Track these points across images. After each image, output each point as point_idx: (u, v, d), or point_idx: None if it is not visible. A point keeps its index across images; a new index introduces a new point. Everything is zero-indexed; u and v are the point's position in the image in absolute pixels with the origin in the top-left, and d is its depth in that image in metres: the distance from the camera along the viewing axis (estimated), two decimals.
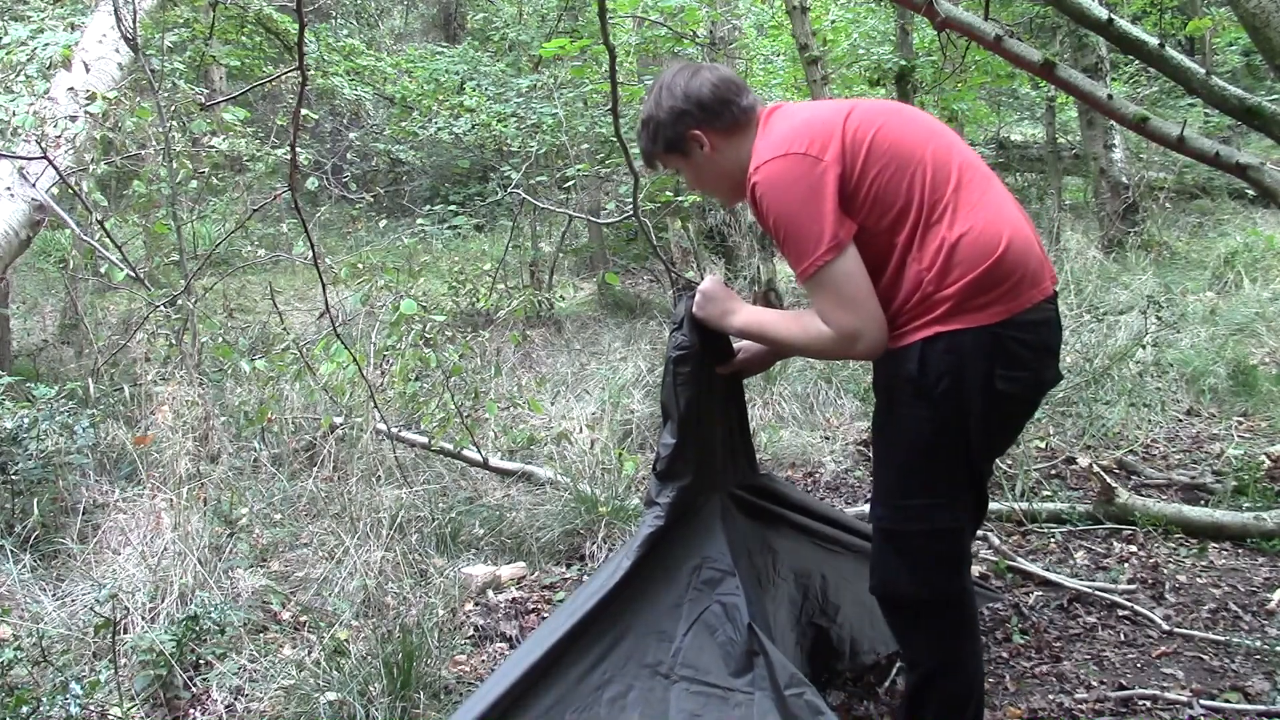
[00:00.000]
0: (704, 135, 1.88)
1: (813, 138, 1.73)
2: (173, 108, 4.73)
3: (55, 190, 3.72)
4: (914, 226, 1.71)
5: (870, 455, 2.35)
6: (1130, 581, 2.88)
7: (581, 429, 4.19)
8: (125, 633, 2.52)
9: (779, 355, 2.20)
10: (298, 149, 2.93)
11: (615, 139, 3.50)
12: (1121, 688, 2.31)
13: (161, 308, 3.97)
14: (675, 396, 2.03)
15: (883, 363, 1.80)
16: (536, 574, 3.18)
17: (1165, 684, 2.32)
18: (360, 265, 4.54)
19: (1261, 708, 2.18)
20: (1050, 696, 2.29)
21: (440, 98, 8.52)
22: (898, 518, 1.83)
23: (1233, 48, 11.44)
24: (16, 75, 4.20)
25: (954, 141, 1.83)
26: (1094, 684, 2.34)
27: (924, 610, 1.86)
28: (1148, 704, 2.24)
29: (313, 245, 3.44)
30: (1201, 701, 2.22)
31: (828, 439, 4.36)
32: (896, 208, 1.71)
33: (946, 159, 1.74)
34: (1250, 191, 7.87)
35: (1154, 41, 2.67)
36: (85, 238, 3.59)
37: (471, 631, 2.79)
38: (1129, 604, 2.71)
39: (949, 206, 1.70)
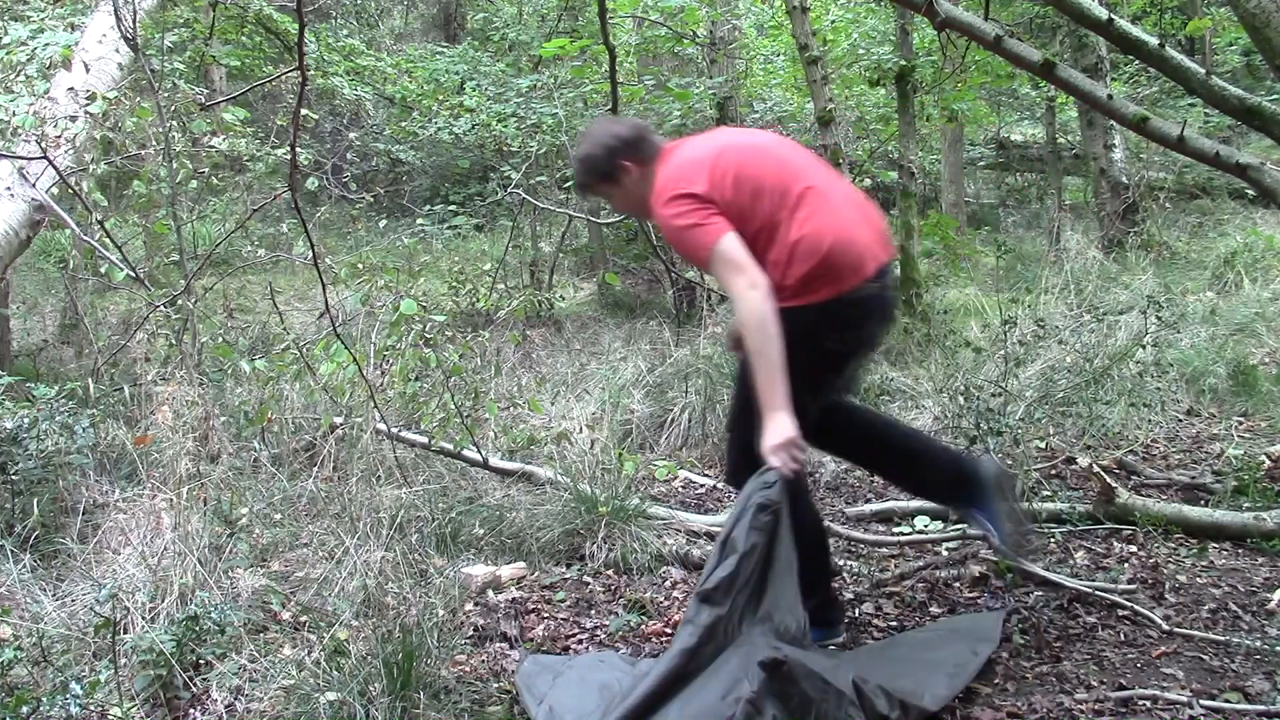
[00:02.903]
0: (631, 166, 2.51)
1: (690, 177, 2.38)
2: (173, 108, 4.72)
3: (55, 190, 3.72)
4: (768, 236, 2.35)
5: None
6: (1130, 581, 2.88)
7: (581, 429, 4.18)
8: (125, 633, 2.51)
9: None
10: (298, 149, 2.94)
11: None
12: (1121, 688, 2.31)
13: (161, 308, 3.96)
14: (747, 536, 2.21)
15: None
16: (536, 574, 3.19)
17: (1165, 684, 2.32)
18: (360, 265, 4.54)
19: (1261, 708, 2.18)
20: (1050, 696, 2.29)
21: (440, 98, 8.52)
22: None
23: (1233, 48, 11.43)
24: (16, 75, 4.20)
25: (801, 168, 2.43)
26: (1094, 684, 2.34)
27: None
28: (1148, 704, 2.24)
29: (313, 245, 3.45)
30: (1201, 701, 2.22)
31: None
32: (754, 224, 2.35)
33: (789, 185, 2.37)
34: (1250, 191, 7.86)
35: (1154, 41, 2.67)
36: (85, 238, 3.59)
37: (471, 631, 2.79)
38: (1129, 604, 2.71)
39: (789, 221, 2.34)
